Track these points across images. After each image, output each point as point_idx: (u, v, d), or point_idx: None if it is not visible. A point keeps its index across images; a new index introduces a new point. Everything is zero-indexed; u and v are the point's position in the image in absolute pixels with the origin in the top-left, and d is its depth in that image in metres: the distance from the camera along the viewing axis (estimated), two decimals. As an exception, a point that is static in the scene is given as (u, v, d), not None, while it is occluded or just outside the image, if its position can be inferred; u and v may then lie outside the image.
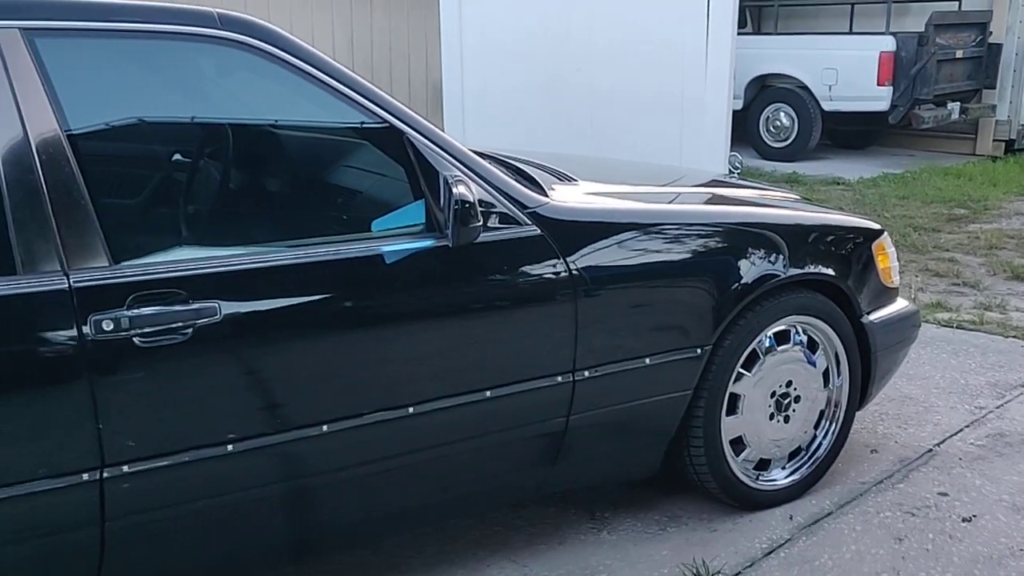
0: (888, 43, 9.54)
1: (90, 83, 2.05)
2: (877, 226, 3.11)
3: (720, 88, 6.11)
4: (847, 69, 9.65)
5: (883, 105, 9.63)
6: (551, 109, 6.53)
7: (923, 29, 9.61)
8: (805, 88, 10.00)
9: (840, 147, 10.91)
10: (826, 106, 9.92)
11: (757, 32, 11.28)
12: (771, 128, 10.23)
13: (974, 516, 2.87)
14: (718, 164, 6.06)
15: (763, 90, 10.32)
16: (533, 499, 2.82)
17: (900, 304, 3.16)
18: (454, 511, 2.63)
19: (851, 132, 10.75)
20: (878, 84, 9.49)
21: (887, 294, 3.10)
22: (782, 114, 10.15)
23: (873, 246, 3.03)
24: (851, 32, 10.79)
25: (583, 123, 6.44)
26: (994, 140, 10.66)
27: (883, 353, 3.04)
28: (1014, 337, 4.48)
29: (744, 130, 9.97)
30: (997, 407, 3.66)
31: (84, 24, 2.01)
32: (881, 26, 10.31)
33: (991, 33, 10.36)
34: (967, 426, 3.50)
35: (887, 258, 3.07)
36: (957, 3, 10.52)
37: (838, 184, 8.72)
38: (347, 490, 2.28)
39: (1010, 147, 10.56)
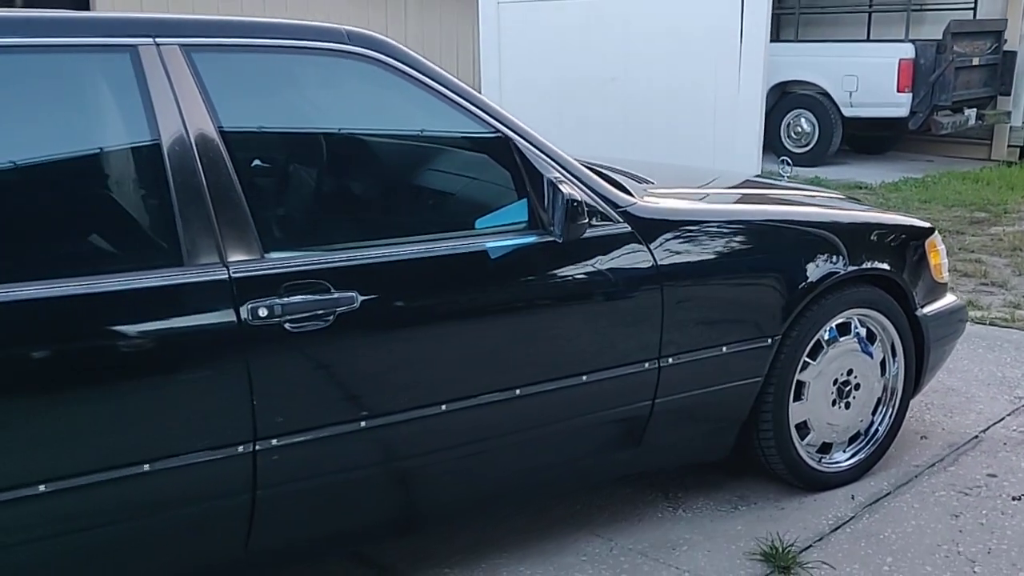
0: (908, 50, 9.77)
1: (239, 93, 2.27)
2: (928, 225, 3.32)
3: (753, 96, 6.35)
4: (868, 76, 9.88)
5: (903, 111, 9.85)
6: (588, 116, 6.74)
7: (940, 37, 9.84)
8: (826, 94, 10.22)
9: (859, 152, 11.13)
10: (846, 112, 10.14)
11: (777, 40, 11.48)
12: (792, 134, 10.45)
13: (1023, 495, 3.07)
14: (751, 169, 6.28)
15: (784, 96, 10.53)
16: (616, 479, 3.02)
17: (950, 299, 3.36)
18: (546, 488, 2.83)
19: (870, 138, 10.97)
20: (898, 90, 9.71)
21: (938, 289, 3.30)
22: (803, 120, 10.37)
23: (926, 244, 3.23)
24: (870, 40, 11.01)
25: (619, 130, 6.66)
26: (1009, 146, 10.90)
27: (935, 344, 3.24)
28: (1045, 334, 4.69)
29: (765, 135, 10.17)
30: (1035, 397, 3.87)
31: (232, 40, 2.24)
32: (897, 34, 10.56)
33: (1006, 41, 10.60)
34: (1008, 414, 3.70)
35: (938, 255, 3.28)
36: (972, 12, 10.74)
37: (860, 188, 8.93)
38: (458, 467, 2.48)
39: (1024, 152, 10.78)
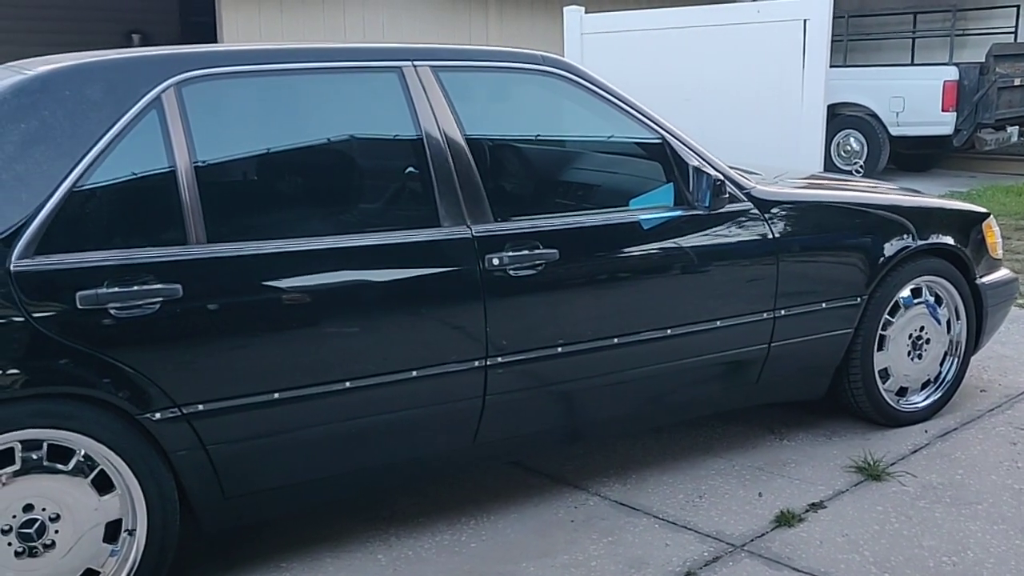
0: (952, 72, 10.46)
1: (471, 100, 3.03)
2: (985, 210, 4.01)
3: (815, 111, 7.04)
4: (913, 97, 10.57)
5: (947, 129, 10.53)
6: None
7: (983, 59, 10.51)
8: (873, 115, 10.91)
9: (904, 170, 11.78)
10: (893, 131, 10.82)
11: (826, 65, 12.21)
12: (842, 152, 11.14)
13: (1069, 429, 3.75)
14: (814, 179, 6.96)
15: (834, 117, 11.19)
16: (736, 409, 3.71)
17: (1004, 272, 4.05)
18: (685, 410, 3.51)
19: (915, 155, 11.63)
20: (942, 110, 10.39)
21: (994, 263, 3.99)
22: (852, 139, 11.06)
23: (983, 225, 3.93)
24: (913, 63, 11.71)
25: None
26: (1051, 161, 11.52)
27: (992, 308, 3.93)
28: (1086, 316, 5.35)
29: (817, 154, 10.89)
30: (1078, 362, 4.54)
31: (464, 62, 3.02)
32: (940, 57, 11.24)
33: (1045, 62, 11.25)
34: (1055, 375, 4.37)
35: (993, 235, 3.97)
36: (1014, 35, 11.41)
37: (909, 201, 9.56)
38: (624, 388, 3.20)
39: (1066, 168, 11.40)
